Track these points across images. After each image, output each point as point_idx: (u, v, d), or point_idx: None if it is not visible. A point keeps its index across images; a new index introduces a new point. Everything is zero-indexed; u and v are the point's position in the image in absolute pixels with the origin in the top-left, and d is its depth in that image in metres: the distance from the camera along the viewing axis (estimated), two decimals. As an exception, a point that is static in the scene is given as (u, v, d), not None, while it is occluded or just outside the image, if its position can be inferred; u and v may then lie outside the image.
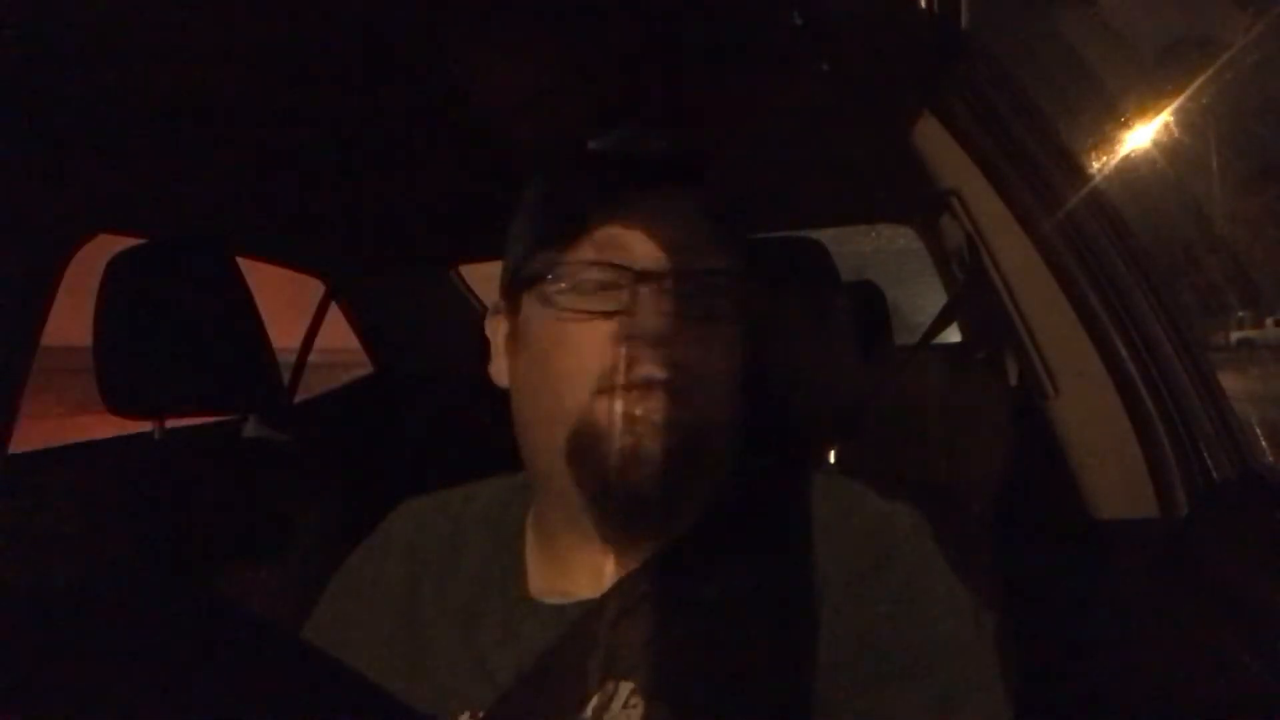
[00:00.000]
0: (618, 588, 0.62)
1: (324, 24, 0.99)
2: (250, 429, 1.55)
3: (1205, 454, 0.85)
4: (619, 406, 0.60)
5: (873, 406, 1.24)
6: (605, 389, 0.60)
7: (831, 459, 1.13)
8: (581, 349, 0.61)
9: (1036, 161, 0.92)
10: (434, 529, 0.74)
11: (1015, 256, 0.94)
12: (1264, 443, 0.91)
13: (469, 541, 0.72)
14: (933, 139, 0.96)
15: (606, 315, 0.61)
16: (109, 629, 0.29)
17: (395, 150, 1.44)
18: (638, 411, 0.59)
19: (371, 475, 1.27)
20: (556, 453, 0.62)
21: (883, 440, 1.22)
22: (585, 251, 0.63)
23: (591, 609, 0.62)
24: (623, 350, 0.60)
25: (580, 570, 0.64)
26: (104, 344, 1.09)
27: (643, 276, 0.60)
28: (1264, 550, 0.74)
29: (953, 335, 2.11)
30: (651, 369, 0.59)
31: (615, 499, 0.61)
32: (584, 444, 0.61)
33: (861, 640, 0.55)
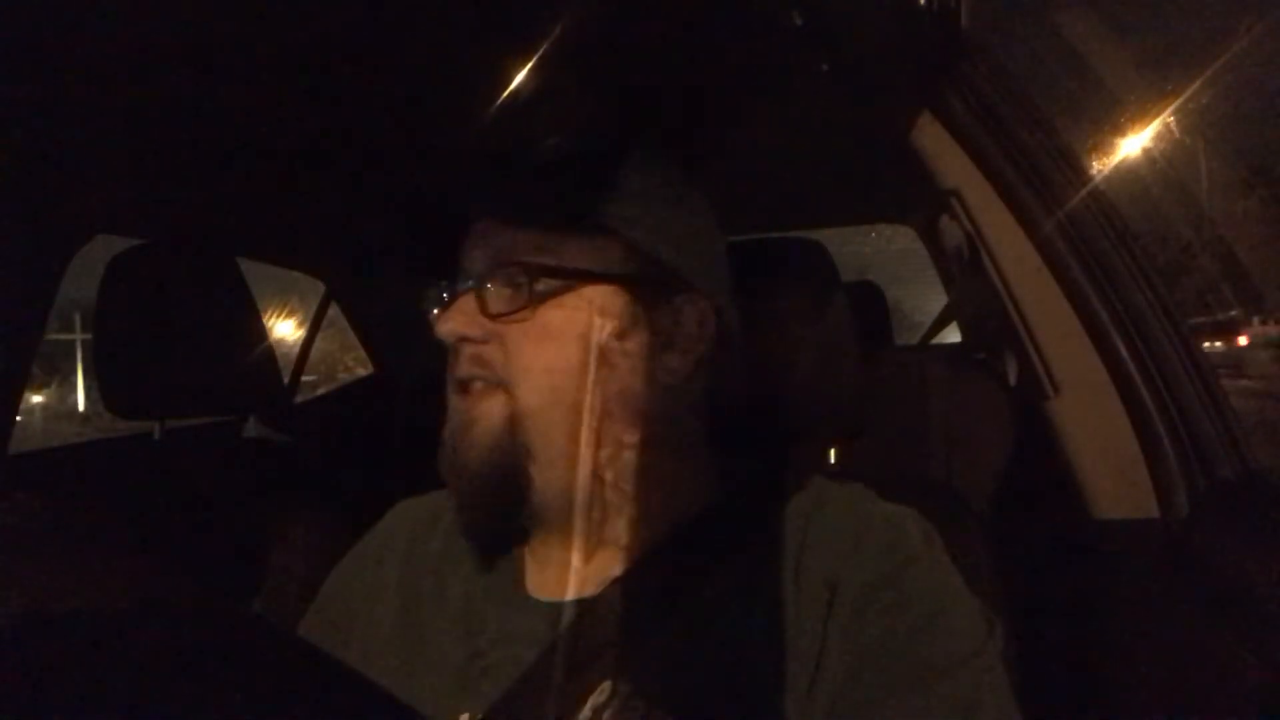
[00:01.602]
0: (617, 586, 0.62)
1: (324, 26, 0.99)
2: (250, 429, 1.55)
3: (1205, 454, 0.85)
4: (452, 408, 0.64)
5: (873, 406, 1.24)
6: (450, 395, 0.65)
7: (831, 459, 1.13)
8: (446, 360, 0.67)
9: (1036, 161, 0.92)
10: (432, 529, 0.74)
11: (1015, 256, 0.94)
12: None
13: (460, 548, 0.71)
14: (933, 139, 0.96)
15: None
16: (132, 654, 0.29)
17: (395, 151, 1.44)
18: (457, 414, 0.64)
19: (371, 475, 1.27)
20: None
21: (883, 440, 1.22)
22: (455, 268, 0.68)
23: (590, 608, 0.62)
24: (453, 357, 0.65)
25: (579, 569, 0.64)
26: (104, 345, 1.09)
27: (457, 290, 0.65)
28: (1264, 550, 0.74)
29: (953, 335, 2.11)
30: (461, 368, 0.63)
31: (458, 498, 0.64)
32: (442, 448, 0.65)
33: (879, 646, 0.55)
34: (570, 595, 0.63)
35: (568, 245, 0.64)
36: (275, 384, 1.22)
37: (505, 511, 0.63)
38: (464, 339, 0.63)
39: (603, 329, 0.63)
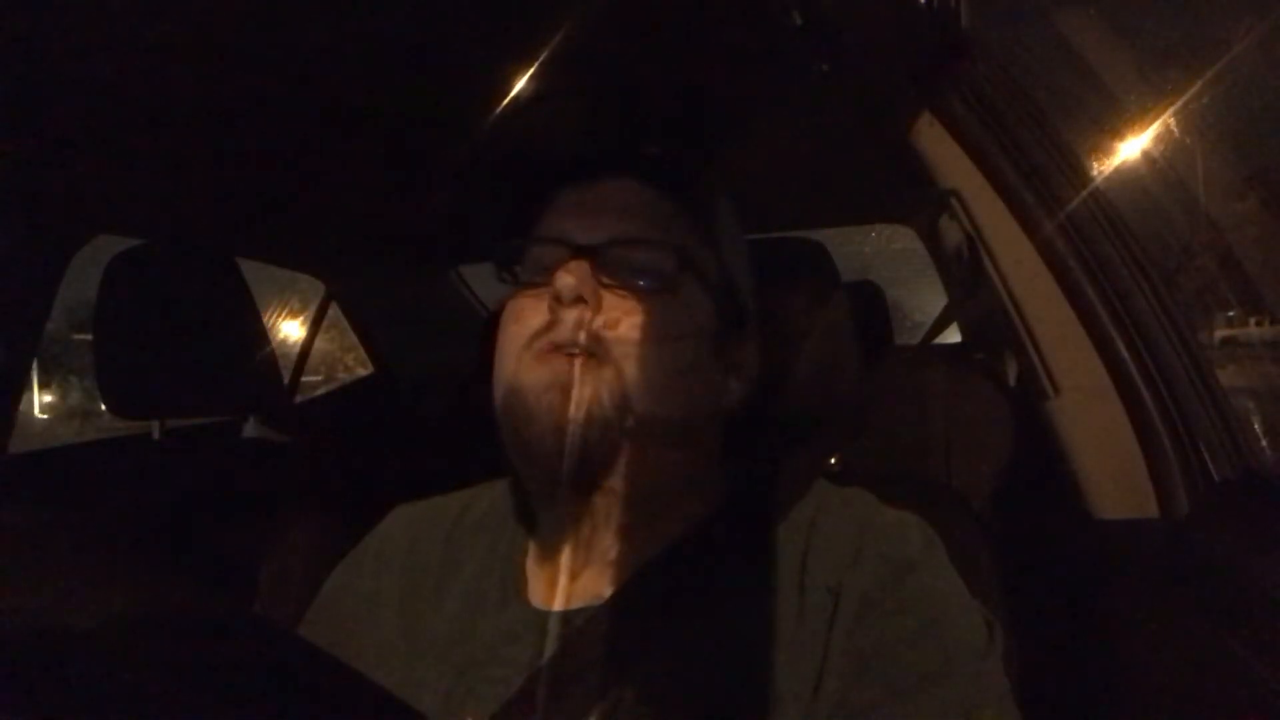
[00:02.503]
0: (620, 594, 0.62)
1: (324, 26, 0.99)
2: (250, 429, 1.55)
3: (1205, 454, 0.85)
4: (536, 365, 0.61)
5: (873, 407, 1.24)
6: (529, 350, 0.62)
7: (832, 459, 1.13)
8: (520, 319, 0.63)
9: (1036, 161, 0.92)
10: (431, 534, 0.74)
11: (1015, 256, 0.94)
12: (1263, 440, 0.91)
13: (468, 547, 0.71)
14: (933, 139, 0.96)
15: (545, 287, 0.62)
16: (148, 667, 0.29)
17: (395, 151, 1.44)
18: (552, 375, 0.60)
19: (371, 476, 1.27)
20: (500, 425, 0.64)
21: (883, 440, 1.22)
22: (543, 232, 0.66)
23: (594, 616, 0.61)
24: (546, 317, 0.61)
25: (582, 576, 0.64)
26: (103, 344, 1.09)
27: (576, 250, 0.62)
28: (1264, 550, 0.74)
29: (953, 335, 2.11)
30: (566, 332, 0.60)
31: (532, 462, 0.62)
32: (508, 408, 0.62)
33: (880, 652, 0.55)
34: (574, 604, 0.63)
35: (688, 239, 0.64)
36: (275, 384, 1.22)
37: (581, 483, 0.61)
38: (579, 300, 0.61)
39: (705, 332, 0.64)
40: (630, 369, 0.60)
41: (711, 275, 0.66)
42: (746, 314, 0.70)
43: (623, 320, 0.61)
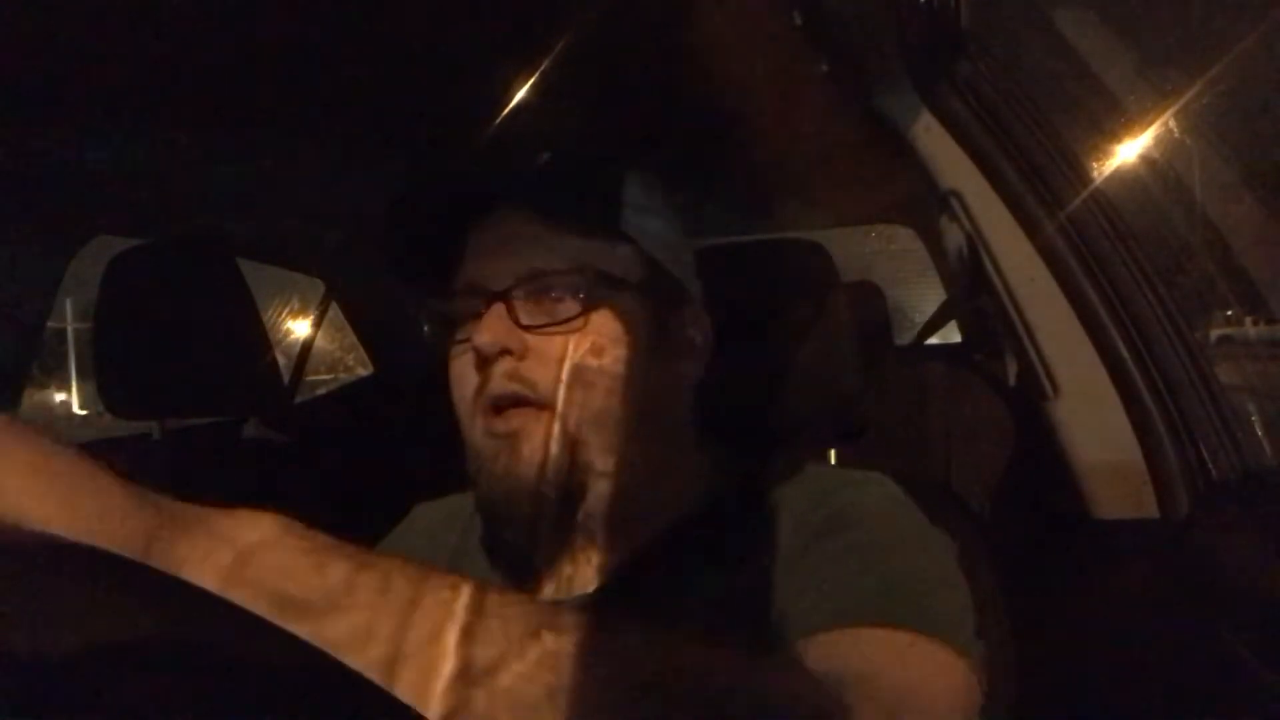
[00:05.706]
0: (617, 585, 0.63)
1: (325, 28, 0.99)
2: (250, 429, 1.55)
3: (1205, 454, 0.85)
4: (484, 429, 0.61)
5: (873, 407, 1.24)
6: (476, 413, 0.62)
7: (832, 459, 1.13)
8: (462, 377, 0.63)
9: (1036, 161, 0.92)
10: (447, 531, 0.75)
11: (1015, 256, 0.94)
12: (1263, 440, 0.91)
13: (476, 547, 0.72)
14: (933, 139, 0.96)
15: (470, 341, 0.62)
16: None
17: (395, 151, 1.44)
18: (499, 439, 0.60)
19: (371, 476, 1.27)
20: (471, 483, 0.64)
21: (883, 440, 1.22)
22: (459, 281, 0.65)
23: (579, 605, 0.62)
24: (480, 373, 0.61)
25: (572, 573, 0.65)
26: (103, 345, 1.09)
27: (490, 297, 0.61)
28: (1264, 550, 0.74)
29: (953, 335, 2.11)
30: (499, 386, 0.60)
31: (507, 519, 0.61)
32: (472, 469, 0.63)
33: (814, 578, 0.56)
34: (576, 592, 0.64)
35: (598, 255, 0.63)
36: (275, 385, 1.22)
37: (558, 525, 0.62)
38: (505, 352, 0.60)
39: (639, 340, 0.63)
40: (573, 406, 0.60)
41: (633, 271, 0.64)
42: (682, 285, 0.68)
43: (551, 359, 0.60)
